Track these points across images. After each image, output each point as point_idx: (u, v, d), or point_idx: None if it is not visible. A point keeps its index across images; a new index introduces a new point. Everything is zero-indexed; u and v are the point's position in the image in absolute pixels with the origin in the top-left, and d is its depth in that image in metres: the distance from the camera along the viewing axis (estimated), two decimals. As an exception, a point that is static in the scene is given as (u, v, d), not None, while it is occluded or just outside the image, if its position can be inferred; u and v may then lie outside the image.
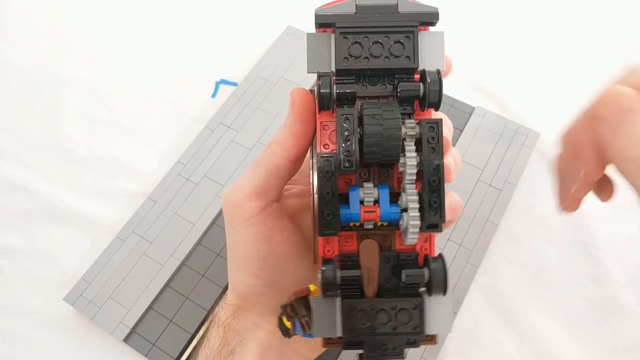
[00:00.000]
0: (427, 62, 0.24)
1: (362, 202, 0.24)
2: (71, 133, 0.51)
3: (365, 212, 0.24)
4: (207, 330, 0.36)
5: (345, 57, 0.24)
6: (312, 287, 0.28)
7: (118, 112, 0.52)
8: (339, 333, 0.24)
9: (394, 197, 0.25)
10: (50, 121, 0.51)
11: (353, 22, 0.24)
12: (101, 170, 0.49)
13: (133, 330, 0.40)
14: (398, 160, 0.24)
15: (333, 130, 0.25)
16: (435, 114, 0.26)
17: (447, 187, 0.25)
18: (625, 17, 0.56)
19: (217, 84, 0.53)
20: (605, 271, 0.41)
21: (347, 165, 0.23)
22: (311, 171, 0.30)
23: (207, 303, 0.41)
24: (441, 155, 0.24)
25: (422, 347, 0.38)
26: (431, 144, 0.24)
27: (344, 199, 0.24)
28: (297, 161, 0.29)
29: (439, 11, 0.24)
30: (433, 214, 0.24)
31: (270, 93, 0.50)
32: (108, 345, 0.40)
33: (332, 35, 0.24)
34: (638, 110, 0.24)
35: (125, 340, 0.40)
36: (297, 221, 0.32)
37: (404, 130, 0.24)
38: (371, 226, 0.25)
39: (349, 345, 0.25)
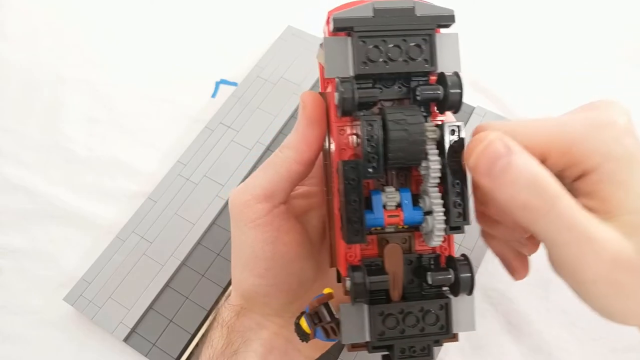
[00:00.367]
0: (442, 63, 0.24)
1: (384, 207, 0.25)
2: (71, 133, 0.51)
3: (389, 216, 0.24)
4: (208, 330, 0.36)
5: (364, 62, 0.24)
6: (326, 291, 0.28)
7: (118, 112, 0.52)
8: (368, 338, 0.24)
9: (414, 200, 0.25)
10: (50, 121, 0.51)
11: (371, 26, 0.23)
12: (101, 170, 0.49)
13: (133, 330, 0.40)
14: (420, 164, 0.24)
15: (350, 134, 0.25)
16: (449, 117, 0.26)
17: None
18: (625, 18, 0.56)
19: (217, 84, 0.53)
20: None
21: (371, 171, 0.23)
22: (324, 174, 0.30)
23: (207, 303, 0.41)
24: (463, 157, 0.24)
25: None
26: (454, 146, 0.24)
27: (366, 204, 0.25)
28: (309, 165, 0.29)
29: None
30: (457, 216, 0.24)
31: (270, 93, 0.50)
32: (108, 345, 0.40)
33: (349, 39, 0.24)
34: (508, 152, 0.22)
35: (126, 340, 0.40)
36: (303, 222, 0.32)
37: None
38: (392, 229, 0.26)
39: (375, 348, 0.25)
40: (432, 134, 0.24)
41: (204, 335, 0.39)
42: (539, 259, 0.42)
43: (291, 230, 0.31)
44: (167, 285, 0.42)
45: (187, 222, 0.44)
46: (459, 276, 0.24)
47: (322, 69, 0.31)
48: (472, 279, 0.24)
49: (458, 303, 0.25)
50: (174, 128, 0.51)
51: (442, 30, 0.25)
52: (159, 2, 0.59)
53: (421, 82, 0.25)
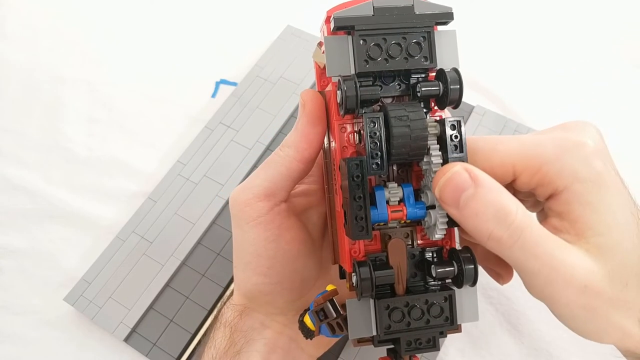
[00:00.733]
0: (441, 60, 0.25)
1: (387, 202, 0.25)
2: (71, 133, 0.51)
3: (393, 211, 0.25)
4: (208, 330, 0.36)
5: (365, 60, 0.24)
6: (330, 287, 0.28)
7: (118, 112, 0.52)
8: (375, 332, 0.25)
9: (416, 195, 0.26)
10: (50, 121, 0.51)
11: (372, 25, 0.24)
12: (101, 170, 0.49)
13: (133, 330, 0.40)
14: (422, 159, 0.25)
15: (351, 132, 0.26)
16: (448, 112, 0.27)
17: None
18: (624, 16, 0.56)
19: (217, 84, 0.53)
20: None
21: (375, 167, 0.24)
22: (325, 172, 0.31)
23: (207, 303, 0.41)
24: (465, 152, 0.24)
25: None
26: (454, 141, 0.24)
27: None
28: (309, 163, 0.30)
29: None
30: None
31: (270, 93, 0.50)
32: (108, 345, 0.40)
33: (349, 38, 0.24)
34: (472, 184, 0.23)
35: (126, 340, 0.40)
36: (303, 219, 0.32)
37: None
38: (395, 224, 0.26)
39: (381, 342, 0.26)
40: (432, 130, 0.24)
41: (204, 335, 0.39)
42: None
43: (292, 228, 0.31)
44: (167, 285, 0.42)
45: (187, 222, 0.44)
46: (462, 268, 0.25)
47: (318, 67, 0.31)
48: (475, 270, 0.25)
49: (461, 294, 0.26)
50: (174, 128, 0.51)
51: (441, 28, 0.25)
52: (159, 2, 0.59)
53: (421, 79, 0.25)
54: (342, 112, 0.24)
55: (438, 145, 0.24)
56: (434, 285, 0.26)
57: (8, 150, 0.50)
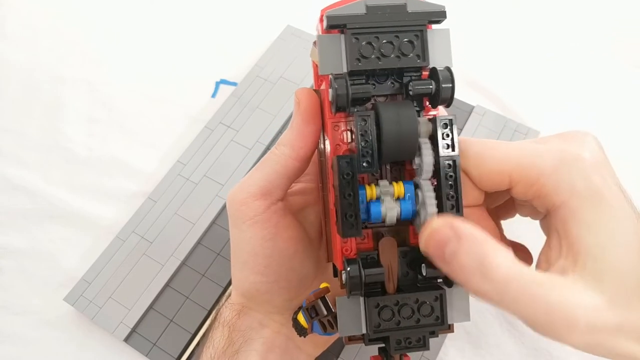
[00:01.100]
0: (434, 59, 0.25)
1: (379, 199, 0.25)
2: (71, 133, 0.51)
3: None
4: (208, 330, 0.36)
5: (357, 58, 0.24)
6: (323, 285, 0.28)
7: (118, 112, 0.52)
8: (365, 330, 0.25)
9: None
10: (50, 121, 0.51)
11: (364, 23, 0.24)
12: (101, 170, 0.49)
13: (133, 330, 0.40)
14: (414, 158, 0.25)
15: (344, 130, 0.26)
16: (442, 111, 0.27)
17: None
18: (624, 16, 0.56)
19: (217, 84, 0.53)
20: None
21: (365, 165, 0.24)
22: (319, 170, 0.31)
23: (207, 303, 0.41)
24: (456, 150, 0.24)
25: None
26: (445, 140, 0.24)
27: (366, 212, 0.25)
28: (305, 161, 0.30)
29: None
30: (450, 208, 0.24)
31: (270, 92, 0.50)
32: (108, 345, 0.40)
33: (342, 36, 0.24)
34: (454, 238, 0.22)
35: (126, 340, 0.40)
36: (300, 218, 0.33)
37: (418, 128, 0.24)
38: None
39: (371, 340, 0.26)
40: (425, 129, 0.24)
41: (204, 335, 0.39)
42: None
43: (289, 226, 0.31)
44: (167, 285, 0.42)
45: (187, 222, 0.44)
46: None
47: (315, 66, 0.31)
48: None
49: (453, 294, 0.26)
50: (174, 128, 0.51)
51: (435, 26, 0.25)
52: (159, 2, 0.59)
53: (413, 78, 0.25)
54: (333, 110, 0.24)
55: (430, 144, 0.24)
56: (425, 285, 0.26)
57: (8, 150, 0.50)
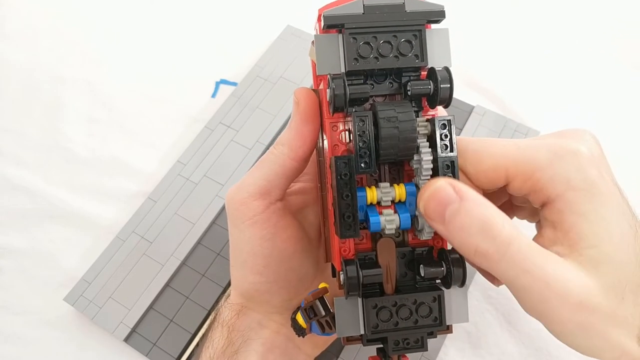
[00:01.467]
0: (433, 59, 0.25)
1: (379, 203, 0.25)
2: (71, 133, 0.51)
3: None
4: (208, 330, 0.36)
5: (355, 58, 0.24)
6: (321, 285, 0.28)
7: (118, 112, 0.52)
8: (362, 331, 0.25)
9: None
10: (50, 121, 0.51)
11: (362, 23, 0.24)
12: (101, 170, 0.49)
13: (133, 330, 0.40)
14: (412, 158, 0.25)
15: (342, 131, 0.26)
16: (441, 111, 0.26)
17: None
18: (624, 17, 0.56)
19: (217, 84, 0.53)
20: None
21: (363, 166, 0.24)
22: (318, 170, 0.31)
23: (207, 303, 0.41)
24: (455, 151, 0.24)
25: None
26: (444, 140, 0.24)
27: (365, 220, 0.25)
28: (304, 161, 0.30)
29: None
30: None
31: (270, 92, 0.50)
32: (108, 345, 0.40)
33: (340, 36, 0.24)
34: (456, 199, 0.22)
35: (126, 340, 0.40)
36: (299, 218, 0.33)
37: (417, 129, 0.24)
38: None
39: (369, 341, 0.26)
40: (423, 129, 0.24)
41: (204, 335, 0.39)
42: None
43: (288, 226, 0.31)
44: (167, 285, 0.42)
45: (187, 222, 0.44)
46: (451, 268, 0.24)
47: (314, 66, 0.31)
48: (464, 271, 0.24)
49: (451, 295, 0.26)
50: (174, 128, 0.51)
51: (434, 26, 0.25)
52: (159, 2, 0.59)
53: (412, 78, 0.25)
54: (331, 110, 0.24)
55: (428, 144, 0.24)
56: (423, 286, 0.26)
57: (8, 150, 0.50)
